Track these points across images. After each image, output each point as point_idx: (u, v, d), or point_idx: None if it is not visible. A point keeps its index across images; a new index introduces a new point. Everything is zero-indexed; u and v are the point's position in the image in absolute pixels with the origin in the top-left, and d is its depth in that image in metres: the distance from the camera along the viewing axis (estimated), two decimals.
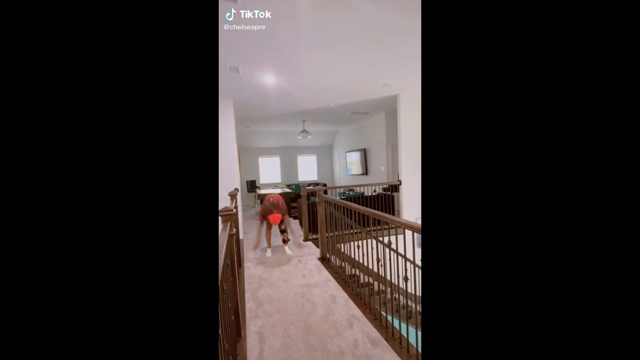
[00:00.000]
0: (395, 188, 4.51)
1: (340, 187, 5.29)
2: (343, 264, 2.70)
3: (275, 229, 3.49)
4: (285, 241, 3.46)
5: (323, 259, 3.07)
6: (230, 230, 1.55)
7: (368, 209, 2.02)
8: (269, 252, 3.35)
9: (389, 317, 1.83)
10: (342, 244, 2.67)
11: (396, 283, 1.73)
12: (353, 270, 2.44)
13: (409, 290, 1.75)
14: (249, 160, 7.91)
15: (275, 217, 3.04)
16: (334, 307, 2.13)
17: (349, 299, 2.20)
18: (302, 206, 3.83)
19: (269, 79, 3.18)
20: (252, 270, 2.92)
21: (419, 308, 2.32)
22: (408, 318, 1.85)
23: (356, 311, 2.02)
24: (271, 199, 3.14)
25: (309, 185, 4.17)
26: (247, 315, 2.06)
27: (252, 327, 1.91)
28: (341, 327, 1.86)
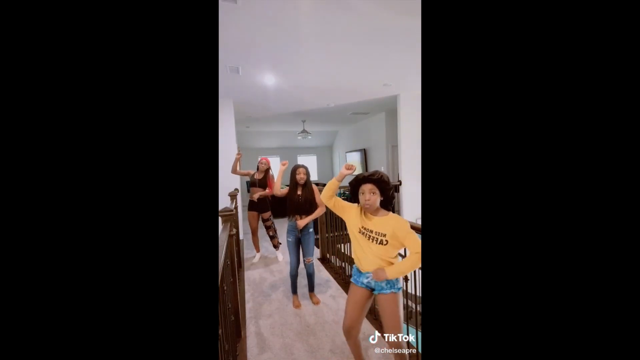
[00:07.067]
0: (395, 188, 4.51)
1: (340, 188, 5.28)
2: (343, 264, 2.70)
3: (263, 233, 3.40)
4: (276, 246, 3.12)
5: (323, 259, 3.07)
6: (230, 230, 1.55)
7: None
8: (257, 258, 3.19)
9: None
10: (343, 244, 2.67)
11: None
12: None
13: (409, 290, 1.75)
14: (249, 161, 7.90)
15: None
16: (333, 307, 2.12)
17: None
18: None
19: (268, 79, 3.18)
20: (252, 270, 2.91)
21: (419, 308, 2.32)
22: (408, 318, 1.84)
23: None
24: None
25: None
26: (247, 315, 2.06)
27: (252, 327, 1.91)
28: (341, 327, 1.86)
